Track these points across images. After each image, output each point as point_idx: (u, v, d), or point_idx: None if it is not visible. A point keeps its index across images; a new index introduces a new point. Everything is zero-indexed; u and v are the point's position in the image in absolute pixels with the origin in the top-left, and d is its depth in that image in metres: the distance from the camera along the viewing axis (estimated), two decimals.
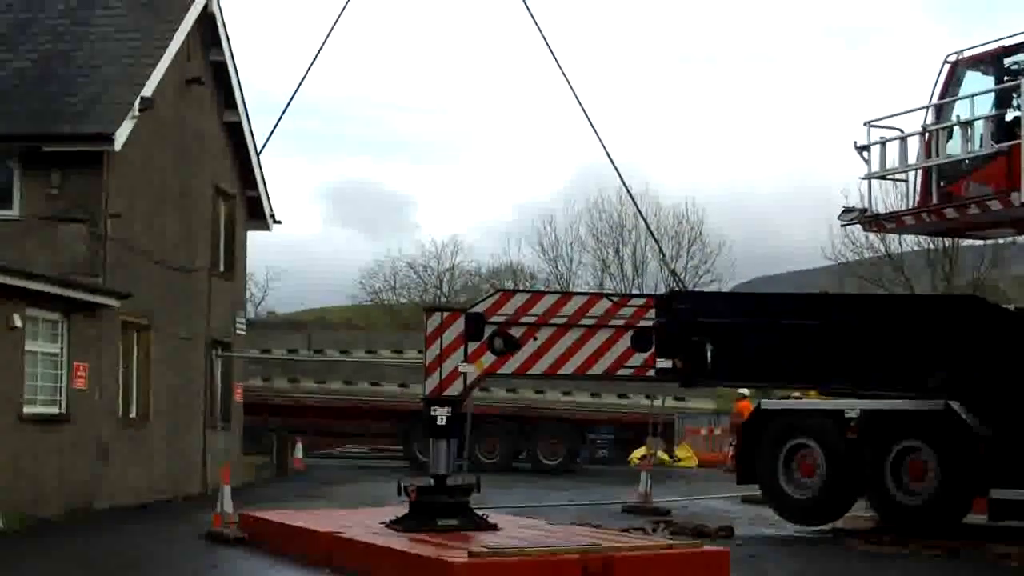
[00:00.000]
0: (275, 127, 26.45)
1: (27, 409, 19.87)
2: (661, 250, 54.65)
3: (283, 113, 26.04)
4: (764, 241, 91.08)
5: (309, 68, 24.95)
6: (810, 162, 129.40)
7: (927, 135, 20.20)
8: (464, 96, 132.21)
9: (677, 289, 35.83)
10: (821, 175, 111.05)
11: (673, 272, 51.75)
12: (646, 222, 41.07)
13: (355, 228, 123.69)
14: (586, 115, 24.95)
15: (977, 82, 20.09)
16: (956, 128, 19.86)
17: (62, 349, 21.04)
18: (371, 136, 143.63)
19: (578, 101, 24.73)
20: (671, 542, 15.44)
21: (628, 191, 27.42)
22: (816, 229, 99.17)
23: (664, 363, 17.46)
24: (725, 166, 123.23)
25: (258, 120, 28.61)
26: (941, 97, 20.27)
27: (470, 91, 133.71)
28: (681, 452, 39.91)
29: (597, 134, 24.93)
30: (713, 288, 59.57)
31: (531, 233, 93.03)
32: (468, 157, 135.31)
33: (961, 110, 19.94)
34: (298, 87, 25.96)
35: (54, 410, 20.80)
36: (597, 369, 17.15)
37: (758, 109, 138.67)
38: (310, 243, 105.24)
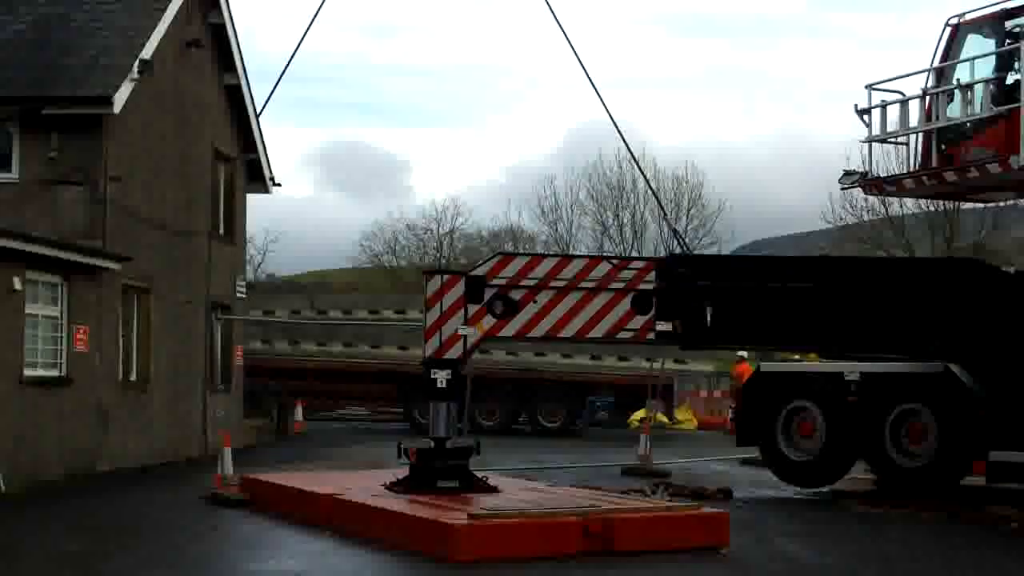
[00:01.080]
0: (274, 88, 26.44)
1: (27, 372, 19.89)
2: (662, 207, 54.44)
3: (282, 75, 26.09)
4: (764, 204, 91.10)
5: (304, 35, 24.79)
6: (810, 124, 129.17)
7: (928, 98, 20.15)
8: (453, 59, 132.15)
9: (677, 251, 35.74)
10: (821, 138, 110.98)
11: (674, 231, 51.63)
12: (645, 178, 40.84)
13: (346, 192, 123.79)
14: (588, 75, 24.75)
15: (978, 45, 20.00)
16: (957, 91, 19.80)
17: (62, 312, 21.05)
18: (359, 99, 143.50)
19: (579, 62, 24.55)
20: (670, 504, 15.51)
21: (628, 148, 27.24)
22: (816, 192, 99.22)
23: (664, 326, 17.49)
24: (723, 129, 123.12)
25: (255, 85, 28.52)
26: (942, 60, 20.20)
27: (459, 54, 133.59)
28: (681, 414, 39.94)
29: (598, 94, 24.75)
30: (713, 251, 59.62)
31: (523, 196, 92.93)
32: (457, 120, 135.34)
33: (962, 73, 19.87)
34: (294, 52, 25.81)
35: (54, 373, 20.83)
36: (597, 332, 17.19)
37: (756, 71, 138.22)
38: (302, 207, 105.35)
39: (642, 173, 37.66)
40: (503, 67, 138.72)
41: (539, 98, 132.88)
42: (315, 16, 24.12)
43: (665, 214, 55.05)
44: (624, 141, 26.45)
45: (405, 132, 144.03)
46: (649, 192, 57.90)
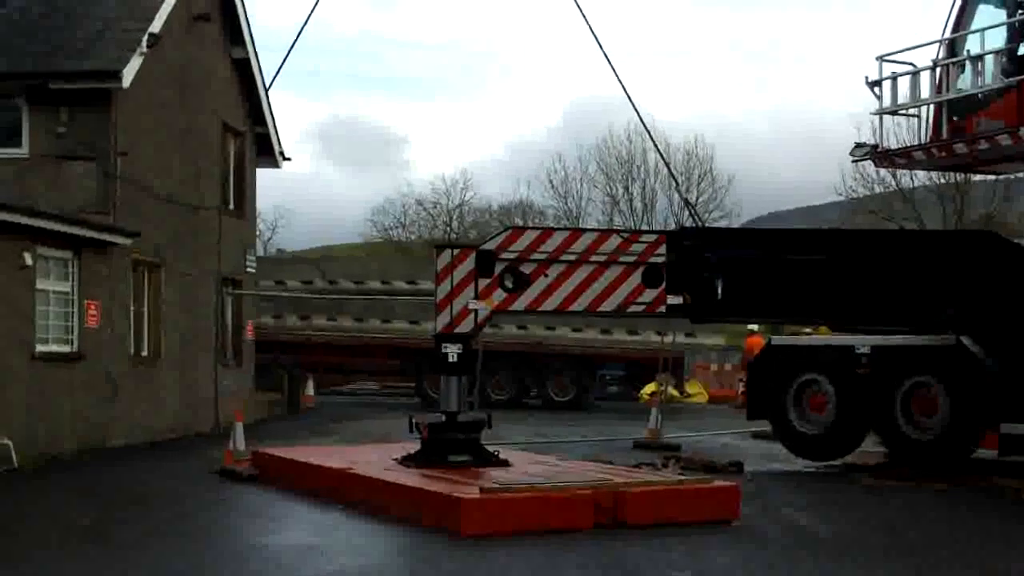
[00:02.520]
0: (284, 60, 26.54)
1: (39, 347, 19.94)
2: (675, 177, 54.22)
3: (291, 48, 26.18)
4: (774, 177, 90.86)
5: (313, 9, 24.78)
6: (820, 98, 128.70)
7: (938, 70, 20.06)
8: (449, 34, 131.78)
9: (689, 224, 35.71)
10: (832, 111, 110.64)
11: (686, 201, 51.46)
12: (657, 148, 40.70)
13: (344, 166, 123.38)
14: (601, 48, 24.73)
15: (989, 15, 19.92)
16: (967, 63, 19.72)
17: (73, 287, 21.06)
18: (353, 71, 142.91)
19: (594, 35, 24.54)
20: (681, 478, 15.51)
21: (640, 119, 27.16)
22: (826, 165, 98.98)
23: (675, 299, 17.45)
24: (731, 104, 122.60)
25: (262, 57, 28.52)
26: (953, 31, 20.11)
27: (456, 29, 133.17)
28: (691, 388, 39.97)
29: (612, 66, 24.74)
30: (723, 224, 59.53)
31: (524, 170, 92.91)
32: (454, 94, 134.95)
33: (972, 44, 19.79)
34: (304, 24, 25.81)
35: (66, 348, 20.87)
36: (608, 305, 17.15)
37: (765, 46, 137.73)
38: (304, 182, 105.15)
39: (654, 143, 37.57)
40: (501, 41, 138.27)
41: (536, 72, 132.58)
42: None
43: (677, 183, 54.94)
44: (636, 111, 26.45)
45: (401, 106, 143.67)
46: (659, 165, 57.90)
